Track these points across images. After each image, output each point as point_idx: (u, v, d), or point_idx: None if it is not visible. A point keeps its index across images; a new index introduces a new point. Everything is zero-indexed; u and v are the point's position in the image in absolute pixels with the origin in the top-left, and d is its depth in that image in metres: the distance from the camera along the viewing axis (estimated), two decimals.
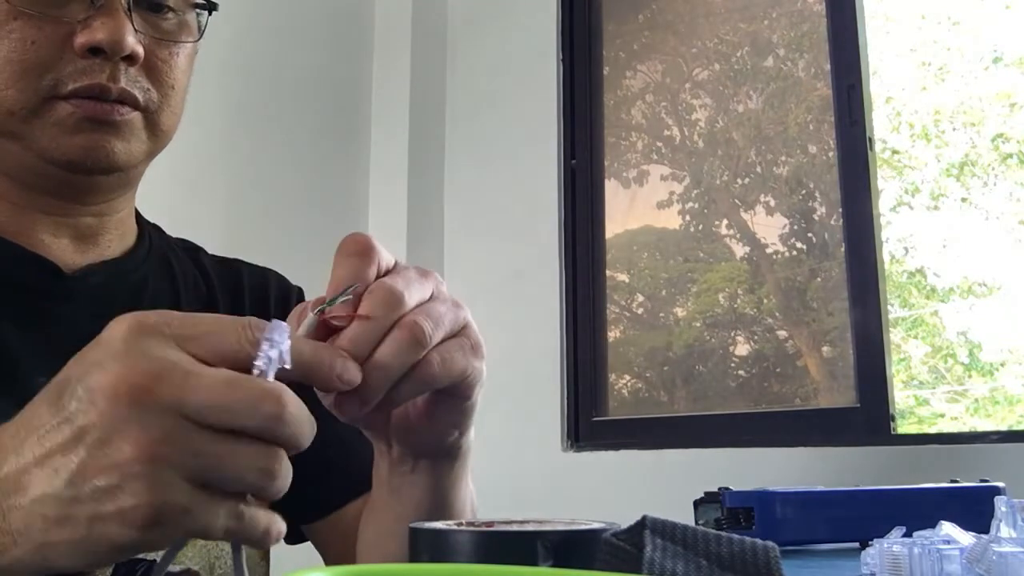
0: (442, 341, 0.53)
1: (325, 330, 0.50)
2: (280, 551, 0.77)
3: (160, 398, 0.40)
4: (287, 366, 0.44)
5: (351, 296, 0.51)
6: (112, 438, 0.40)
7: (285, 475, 0.43)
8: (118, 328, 0.42)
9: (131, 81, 0.67)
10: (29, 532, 0.41)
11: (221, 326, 0.43)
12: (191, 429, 0.40)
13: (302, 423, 0.43)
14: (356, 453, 0.69)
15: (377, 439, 0.63)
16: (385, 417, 0.59)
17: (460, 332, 0.55)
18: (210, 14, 0.73)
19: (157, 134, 0.70)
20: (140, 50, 0.66)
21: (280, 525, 0.44)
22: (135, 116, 0.68)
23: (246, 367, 0.43)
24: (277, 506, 0.84)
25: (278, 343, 0.44)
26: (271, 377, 0.43)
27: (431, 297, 0.54)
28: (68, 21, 0.65)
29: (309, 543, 0.81)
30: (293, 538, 0.81)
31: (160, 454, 0.39)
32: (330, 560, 0.78)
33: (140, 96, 0.67)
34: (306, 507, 0.78)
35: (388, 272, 0.54)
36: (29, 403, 0.44)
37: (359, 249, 0.53)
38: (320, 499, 0.77)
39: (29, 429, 0.43)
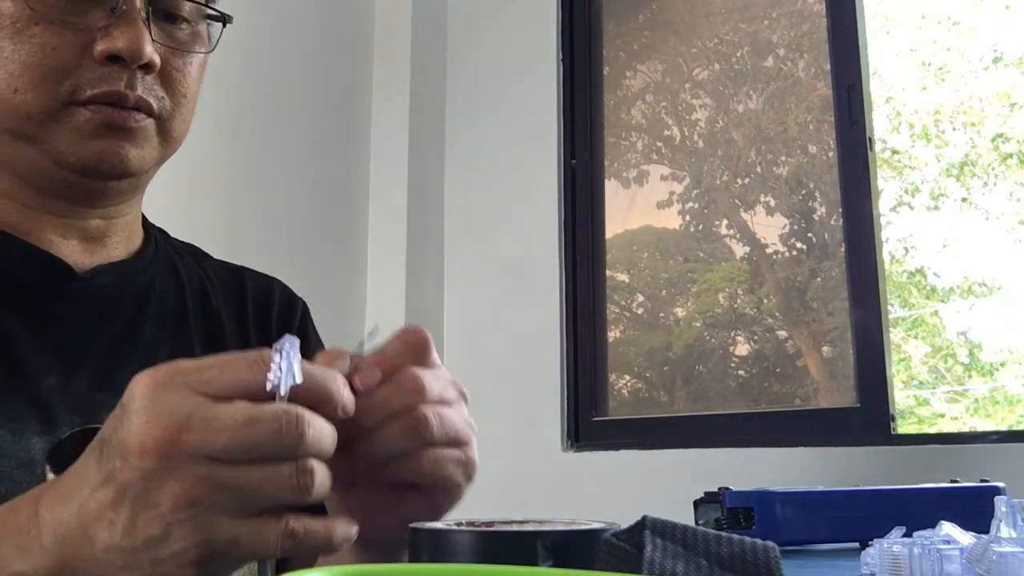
0: (444, 444, 0.54)
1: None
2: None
3: (186, 447, 0.42)
4: (298, 380, 0.45)
5: (376, 345, 0.53)
6: (150, 492, 0.43)
7: (321, 482, 0.45)
8: (137, 386, 0.45)
9: (146, 89, 0.68)
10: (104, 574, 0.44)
11: (232, 361, 0.46)
12: (220, 468, 0.43)
13: (323, 438, 0.45)
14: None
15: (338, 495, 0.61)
16: (350, 497, 0.57)
17: (462, 447, 0.55)
18: (224, 26, 0.74)
19: (168, 141, 0.72)
20: (157, 59, 0.67)
21: (344, 527, 0.47)
22: (149, 123, 0.69)
23: (262, 392, 0.45)
24: None
25: (288, 354, 0.45)
26: (283, 390, 0.45)
27: (451, 402, 0.55)
28: (88, 28, 0.66)
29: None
30: None
31: (196, 498, 0.42)
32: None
33: (155, 104, 0.69)
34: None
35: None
36: (78, 460, 0.47)
37: (418, 341, 0.54)
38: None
39: (82, 483, 0.46)
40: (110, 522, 0.44)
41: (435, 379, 0.54)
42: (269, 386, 0.45)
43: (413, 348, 0.54)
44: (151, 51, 0.66)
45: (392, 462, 0.53)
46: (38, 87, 0.65)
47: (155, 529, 0.43)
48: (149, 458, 0.42)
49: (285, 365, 0.45)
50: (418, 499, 0.56)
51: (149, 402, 0.44)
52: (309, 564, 0.78)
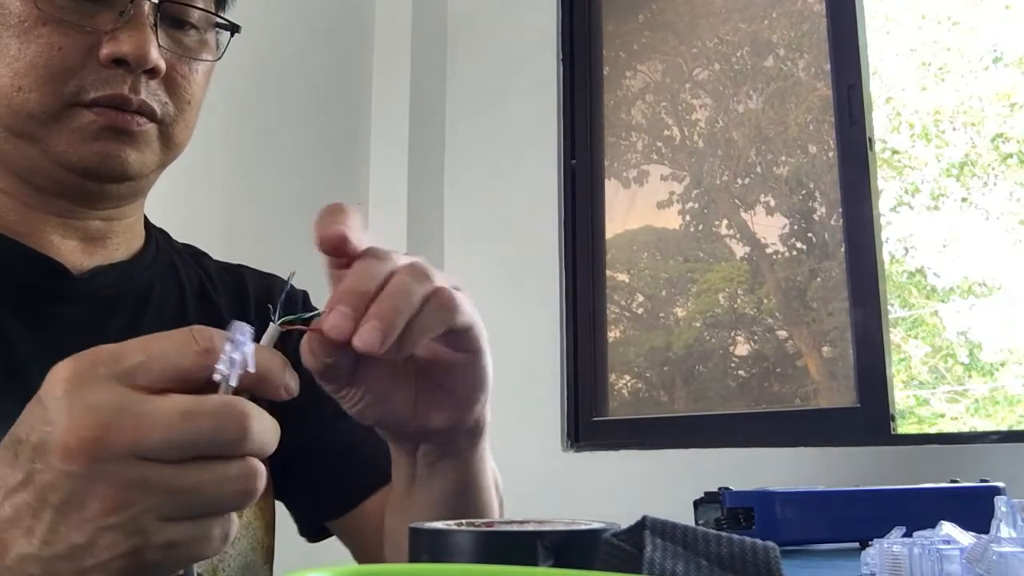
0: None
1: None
2: (283, 553, 0.77)
3: (114, 447, 0.38)
4: (251, 369, 0.42)
5: (321, 313, 0.49)
6: (76, 496, 0.39)
7: (261, 484, 0.42)
8: (56, 379, 0.40)
9: (150, 93, 0.68)
10: None
11: (163, 346, 0.41)
12: (153, 469, 0.39)
13: (266, 432, 0.41)
14: (369, 447, 0.70)
15: (399, 440, 0.62)
16: (410, 409, 0.57)
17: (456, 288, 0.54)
18: (232, 35, 0.74)
19: (170, 146, 0.72)
20: (162, 64, 0.67)
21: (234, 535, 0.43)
22: (151, 127, 0.69)
23: (201, 380, 0.41)
24: (299, 508, 0.84)
25: (241, 344, 0.42)
26: (234, 381, 0.41)
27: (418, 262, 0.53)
28: (95, 31, 0.66)
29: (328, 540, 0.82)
30: (313, 536, 0.82)
31: (127, 502, 0.38)
32: (359, 554, 0.79)
33: (158, 109, 0.69)
34: (326, 506, 0.79)
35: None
36: None
37: (375, 254, 0.51)
38: (339, 497, 0.78)
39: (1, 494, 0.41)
40: (28, 529, 0.39)
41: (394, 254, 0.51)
42: (217, 376, 0.40)
43: (378, 260, 0.50)
44: (156, 56, 0.66)
45: (419, 318, 0.49)
46: (42, 87, 0.65)
47: (80, 536, 0.39)
48: (74, 460, 0.38)
49: (238, 356, 0.41)
50: (462, 360, 0.56)
51: (71, 397, 0.39)
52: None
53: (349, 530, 0.79)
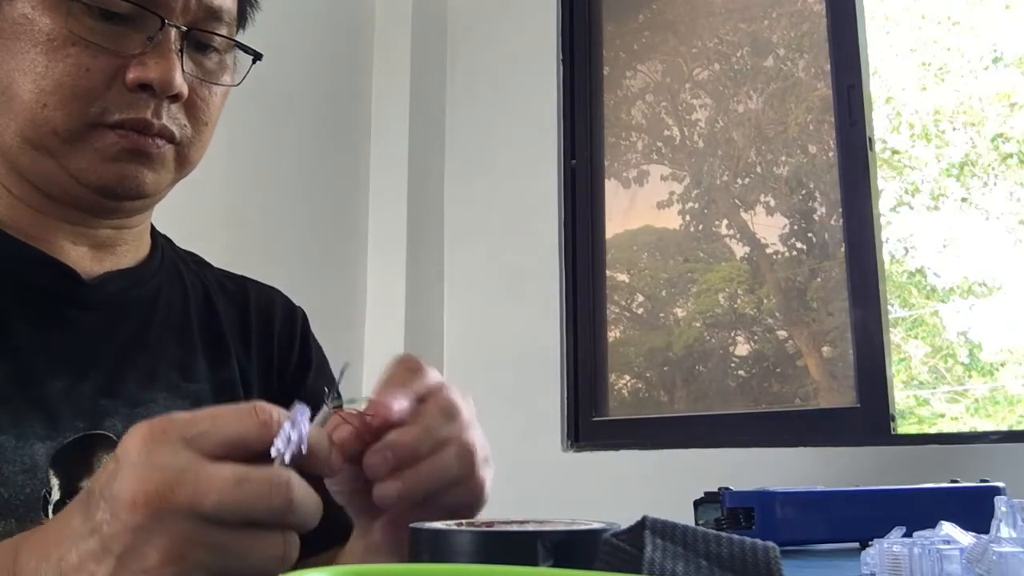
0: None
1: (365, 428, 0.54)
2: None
3: (176, 504, 0.42)
4: (303, 450, 0.46)
5: (365, 401, 0.54)
6: (138, 546, 0.42)
7: (294, 556, 0.45)
8: (132, 440, 0.44)
9: (171, 118, 0.69)
10: None
11: (225, 418, 0.45)
12: (209, 528, 0.42)
13: (309, 507, 0.45)
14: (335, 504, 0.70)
15: (363, 523, 0.63)
16: (377, 513, 0.59)
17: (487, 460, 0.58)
18: (254, 63, 0.76)
19: (184, 165, 0.73)
20: (186, 91, 0.69)
21: None
22: (168, 148, 0.70)
23: (257, 450, 0.45)
24: None
25: (299, 424, 0.46)
26: (288, 458, 0.45)
27: (471, 423, 0.57)
28: (123, 55, 0.66)
29: None
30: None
31: (183, 555, 0.42)
32: None
33: (177, 132, 0.70)
34: (320, 533, 0.79)
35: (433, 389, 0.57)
36: (62, 510, 0.47)
37: (413, 367, 0.56)
38: (336, 526, 0.78)
39: (62, 536, 0.45)
40: (90, 574, 0.43)
41: (462, 403, 0.56)
42: (274, 452, 0.45)
43: (413, 373, 0.56)
44: (181, 83, 0.67)
45: (447, 488, 0.54)
46: (67, 106, 0.66)
47: None
48: (140, 513, 0.42)
49: (295, 435, 0.46)
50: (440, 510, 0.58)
51: (143, 456, 0.43)
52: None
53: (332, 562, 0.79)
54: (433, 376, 0.56)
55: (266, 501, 0.43)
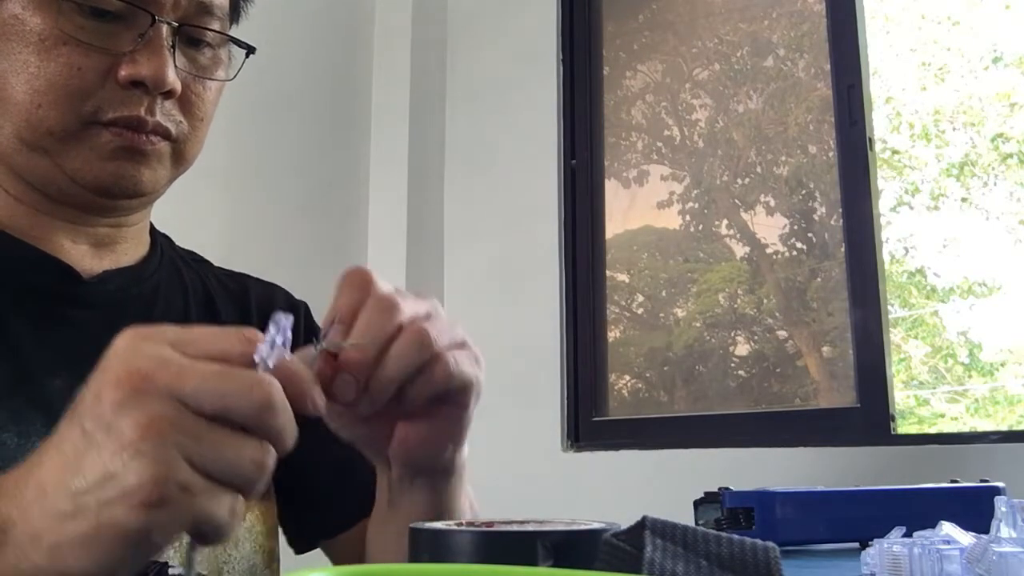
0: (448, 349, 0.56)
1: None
2: (286, 566, 0.77)
3: (157, 384, 0.43)
4: (287, 355, 0.46)
5: (342, 326, 0.54)
6: (114, 424, 0.42)
7: (270, 474, 0.45)
8: (120, 338, 0.45)
9: (165, 114, 0.69)
10: (45, 534, 0.43)
11: (215, 332, 0.46)
12: (187, 413, 0.43)
13: (290, 419, 0.45)
14: (361, 475, 0.71)
15: (377, 459, 0.65)
16: (386, 436, 0.61)
17: (462, 345, 0.58)
18: (247, 56, 0.75)
19: (181, 162, 0.73)
20: (179, 87, 0.68)
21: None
22: (164, 146, 0.70)
23: (238, 364, 0.45)
24: (292, 525, 0.86)
25: (283, 329, 0.46)
26: (271, 362, 0.45)
27: (429, 314, 0.57)
28: (114, 52, 0.66)
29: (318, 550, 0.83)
30: (300, 549, 0.83)
31: (159, 431, 0.42)
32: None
33: (172, 128, 0.70)
34: (316, 528, 0.81)
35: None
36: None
37: (359, 281, 0.55)
38: (329, 521, 0.79)
39: (51, 443, 0.46)
40: (65, 465, 0.43)
41: (402, 298, 0.56)
42: (257, 358, 0.45)
43: (360, 289, 0.55)
44: (173, 79, 0.67)
45: (411, 382, 0.55)
46: (61, 105, 0.66)
47: (113, 463, 0.42)
48: (121, 390, 0.43)
49: (279, 339, 0.46)
50: (444, 409, 0.59)
51: (130, 350, 0.44)
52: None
53: (335, 553, 0.80)
54: (383, 288, 0.56)
55: (246, 396, 0.43)
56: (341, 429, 0.60)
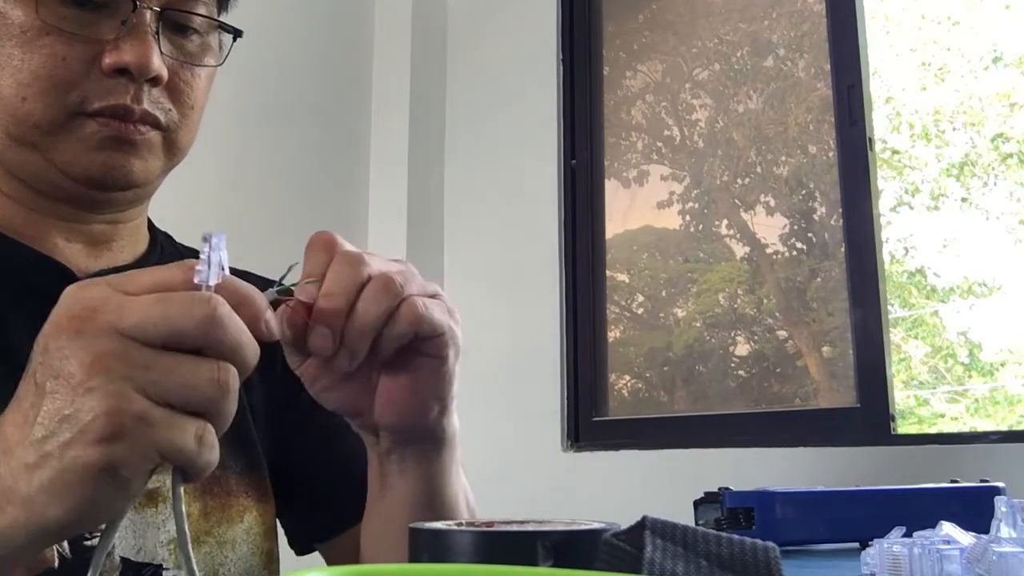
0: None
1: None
2: (286, 567, 0.77)
3: (98, 323, 0.43)
4: (225, 270, 0.46)
5: (310, 283, 0.54)
6: (62, 369, 0.43)
7: (235, 393, 0.45)
8: (63, 293, 0.46)
9: (153, 102, 0.68)
10: (16, 487, 0.43)
11: (154, 268, 0.47)
12: (133, 345, 0.43)
13: (240, 331, 0.45)
14: (361, 475, 0.70)
15: (364, 429, 0.65)
16: (369, 401, 0.61)
17: (434, 295, 0.58)
18: (235, 40, 0.74)
19: (174, 152, 0.72)
20: (165, 73, 0.67)
21: (218, 458, 0.45)
22: (155, 135, 0.69)
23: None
24: (292, 525, 0.85)
25: (218, 247, 0.46)
26: (213, 280, 0.45)
27: (401, 270, 0.57)
28: (97, 40, 0.66)
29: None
30: (301, 550, 0.83)
31: (105, 367, 0.42)
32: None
33: (161, 116, 0.69)
34: (315, 529, 0.80)
35: None
36: None
37: (324, 243, 0.56)
38: (327, 521, 0.79)
39: (11, 403, 0.46)
40: (25, 419, 0.44)
41: (368, 255, 0.56)
42: (197, 280, 0.45)
43: (326, 251, 0.55)
44: (159, 65, 0.66)
45: (381, 329, 0.54)
46: (46, 97, 0.65)
47: (66, 405, 0.42)
48: (63, 334, 0.43)
49: (215, 257, 0.46)
50: (423, 363, 0.59)
51: (70, 298, 0.44)
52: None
53: (335, 554, 0.80)
54: (350, 247, 0.56)
55: (188, 315, 0.43)
56: (324, 395, 0.60)
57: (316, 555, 0.82)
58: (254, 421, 0.76)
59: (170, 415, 0.43)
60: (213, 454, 0.44)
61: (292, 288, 0.54)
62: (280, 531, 0.78)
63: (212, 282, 0.45)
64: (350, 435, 0.67)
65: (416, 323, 0.56)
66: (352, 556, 0.77)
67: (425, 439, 0.64)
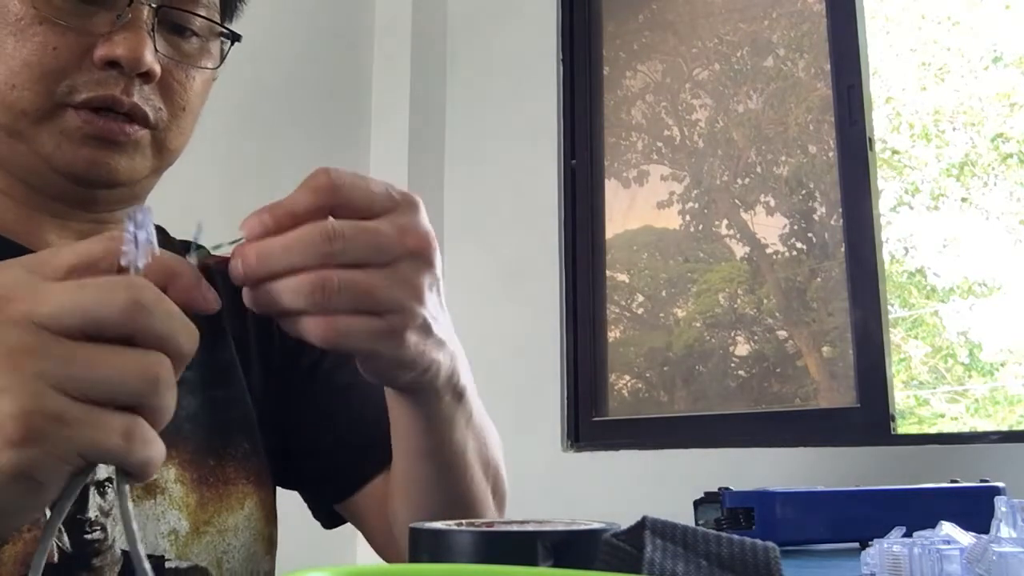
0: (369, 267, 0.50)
1: None
2: (287, 552, 0.77)
3: (10, 314, 0.39)
4: (155, 249, 0.42)
5: (229, 245, 0.50)
6: None
7: (170, 384, 0.41)
8: None
9: (143, 98, 0.67)
10: None
11: (74, 245, 0.43)
12: (48, 337, 0.39)
13: (171, 316, 0.41)
14: (377, 426, 0.70)
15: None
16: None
17: (387, 314, 0.51)
18: (232, 44, 0.74)
19: (163, 152, 0.71)
20: (157, 68, 0.67)
21: (162, 453, 0.41)
22: (143, 134, 0.68)
23: (111, 270, 0.42)
24: (307, 492, 0.85)
25: (144, 223, 0.42)
26: (140, 261, 0.42)
27: (390, 210, 0.52)
28: (91, 32, 0.65)
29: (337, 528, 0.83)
30: (327, 522, 0.82)
31: (16, 363, 0.38)
32: (370, 538, 0.80)
33: (151, 114, 0.68)
34: (334, 487, 0.79)
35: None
36: None
37: (315, 189, 0.52)
38: (346, 477, 0.78)
39: None
40: None
41: (367, 181, 0.51)
42: (124, 261, 0.41)
43: (315, 193, 0.50)
44: (151, 60, 0.66)
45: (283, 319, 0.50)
46: (35, 85, 0.65)
47: None
48: None
49: (142, 235, 0.42)
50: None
51: None
52: None
53: (358, 511, 0.79)
54: (350, 196, 0.52)
55: (108, 302, 0.39)
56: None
57: (316, 555, 0.81)
58: (254, 402, 0.76)
59: (90, 412, 0.39)
60: (149, 450, 0.40)
61: (215, 249, 0.50)
62: (279, 515, 0.78)
63: (140, 263, 0.41)
64: (372, 391, 0.65)
65: (325, 341, 0.49)
66: (374, 513, 0.77)
67: (412, 390, 0.60)
